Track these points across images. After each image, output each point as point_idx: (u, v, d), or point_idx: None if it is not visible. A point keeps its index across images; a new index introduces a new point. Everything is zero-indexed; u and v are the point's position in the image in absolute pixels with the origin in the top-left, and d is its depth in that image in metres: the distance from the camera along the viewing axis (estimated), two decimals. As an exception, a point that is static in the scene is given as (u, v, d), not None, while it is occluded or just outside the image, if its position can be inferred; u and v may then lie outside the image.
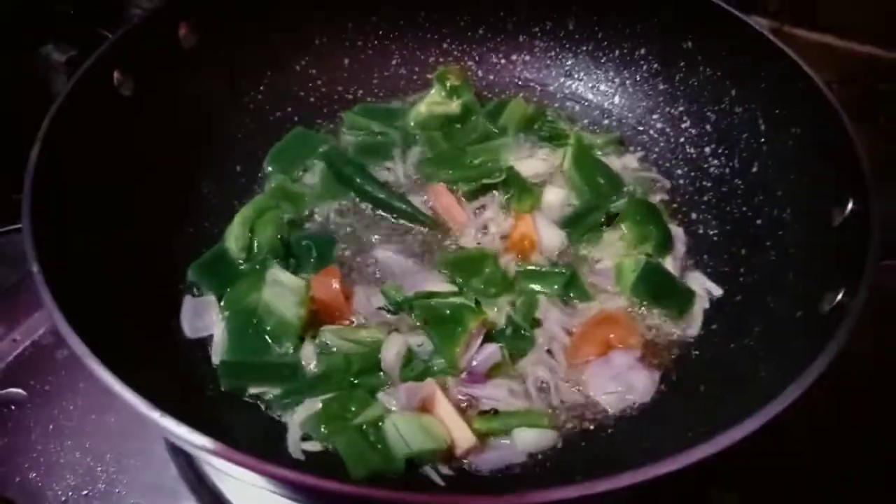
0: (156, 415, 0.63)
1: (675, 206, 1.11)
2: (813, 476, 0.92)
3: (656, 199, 1.11)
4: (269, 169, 1.12)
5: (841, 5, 1.33)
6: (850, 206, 0.83)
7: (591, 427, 0.86)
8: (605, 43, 1.23)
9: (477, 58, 1.29)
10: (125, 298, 0.86)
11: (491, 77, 1.30)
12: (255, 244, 0.99)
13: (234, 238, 0.99)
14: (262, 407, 0.87)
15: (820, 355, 0.66)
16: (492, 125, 1.19)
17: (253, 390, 0.87)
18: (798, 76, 0.95)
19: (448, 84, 1.21)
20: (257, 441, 0.82)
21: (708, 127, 1.13)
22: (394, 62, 1.28)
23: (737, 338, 0.90)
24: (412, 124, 1.20)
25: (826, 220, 0.86)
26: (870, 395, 0.99)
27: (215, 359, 0.90)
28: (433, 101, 1.20)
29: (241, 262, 0.98)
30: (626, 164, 1.16)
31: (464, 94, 1.20)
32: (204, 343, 0.92)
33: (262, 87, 1.18)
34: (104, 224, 0.89)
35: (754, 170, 1.04)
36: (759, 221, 1.00)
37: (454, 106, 1.19)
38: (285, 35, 1.18)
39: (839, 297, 0.75)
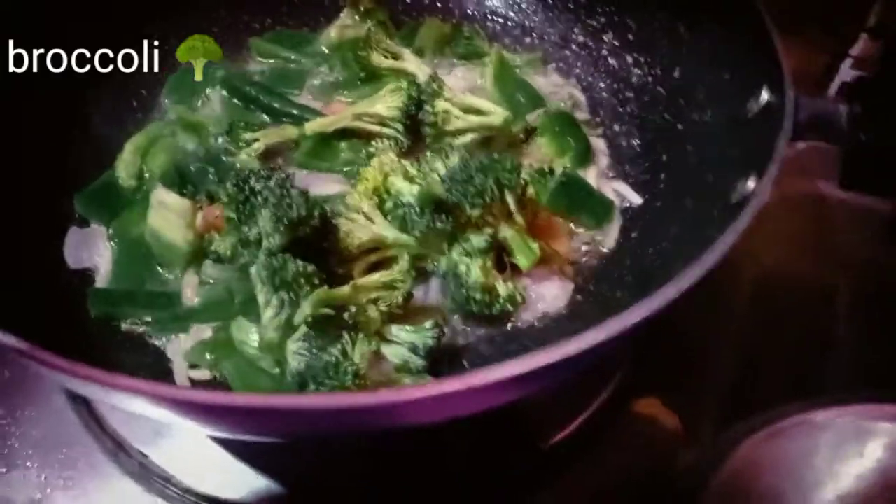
0: (11, 340, 0.57)
1: (597, 119, 1.06)
2: (734, 383, 0.90)
3: (580, 115, 1.06)
4: (167, 101, 1.05)
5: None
6: (764, 96, 0.79)
7: (502, 337, 0.82)
8: (525, -45, 1.17)
9: (395, -22, 1.23)
10: (4, 231, 0.80)
11: (408, 0, 1.23)
12: (146, 172, 0.93)
13: (123, 165, 0.93)
14: (147, 339, 0.81)
15: (721, 236, 0.62)
16: (407, 47, 1.12)
17: (130, 320, 0.82)
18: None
19: (361, 8, 1.15)
20: (143, 373, 0.77)
21: (630, 36, 1.08)
22: (305, -13, 1.21)
23: (654, 242, 0.86)
24: (324, 50, 1.13)
25: (743, 115, 0.82)
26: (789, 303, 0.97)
27: (100, 290, 0.84)
28: (343, 25, 1.13)
29: (131, 190, 0.92)
30: (548, 81, 1.11)
31: (377, 17, 1.14)
32: (91, 276, 0.86)
33: (161, 20, 1.10)
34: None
35: (676, 74, 0.99)
36: (680, 126, 0.96)
37: (365, 28, 1.13)
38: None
39: (749, 183, 0.72)
